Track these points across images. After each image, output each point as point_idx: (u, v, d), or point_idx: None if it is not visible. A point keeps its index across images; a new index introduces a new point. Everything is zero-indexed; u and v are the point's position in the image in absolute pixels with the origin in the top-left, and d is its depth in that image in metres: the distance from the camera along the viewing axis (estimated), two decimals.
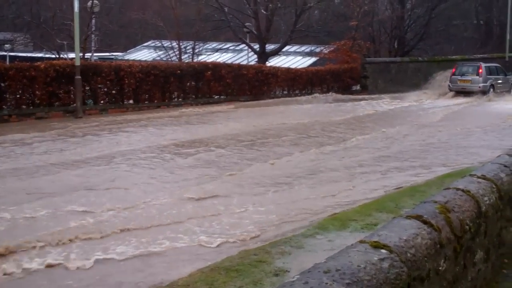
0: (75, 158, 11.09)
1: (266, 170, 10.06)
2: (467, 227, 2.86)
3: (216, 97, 22.54)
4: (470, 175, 3.74)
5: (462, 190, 3.15)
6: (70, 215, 7.17)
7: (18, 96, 16.83)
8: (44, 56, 27.36)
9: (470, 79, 26.71)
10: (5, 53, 35.95)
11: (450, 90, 27.36)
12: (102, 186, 8.83)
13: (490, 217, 3.43)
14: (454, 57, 34.94)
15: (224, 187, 8.75)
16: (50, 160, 10.86)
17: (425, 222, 2.51)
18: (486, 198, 3.37)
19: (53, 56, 26.14)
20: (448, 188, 3.22)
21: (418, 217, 2.54)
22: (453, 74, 27.29)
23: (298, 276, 1.92)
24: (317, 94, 26.04)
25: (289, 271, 4.48)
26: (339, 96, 26.01)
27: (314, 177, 9.48)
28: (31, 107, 17.09)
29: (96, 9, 26.22)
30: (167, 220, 6.95)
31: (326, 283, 1.85)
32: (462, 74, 26.96)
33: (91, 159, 11.00)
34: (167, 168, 10.32)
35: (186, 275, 4.68)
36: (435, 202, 2.83)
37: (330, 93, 26.69)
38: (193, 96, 21.76)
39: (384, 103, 23.80)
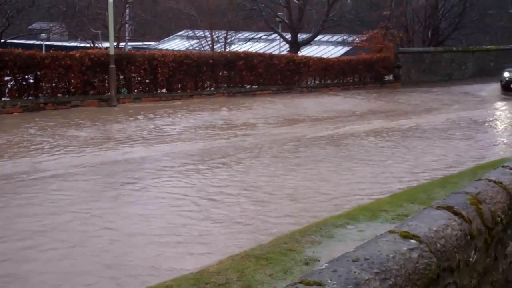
0: None
1: None
2: (498, 218, 2.84)
3: (248, 86, 22.58)
4: (503, 166, 3.68)
5: (494, 182, 3.12)
6: None
7: (53, 84, 17.10)
8: (79, 45, 27.72)
9: None
10: (41, 42, 36.55)
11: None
12: None
13: None
14: (489, 47, 34.27)
15: None
16: None
17: (455, 213, 2.50)
18: None
19: (88, 45, 26.50)
20: (480, 179, 3.18)
21: (449, 208, 2.53)
22: None
23: (326, 265, 1.94)
24: None
25: (319, 260, 4.50)
26: None
27: None
28: (67, 96, 17.37)
29: None
30: None
31: (355, 272, 1.87)
32: None
33: None
34: None
35: (216, 262, 4.74)
36: (467, 193, 2.81)
37: None
38: (225, 85, 21.82)
39: None
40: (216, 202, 7.38)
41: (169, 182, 8.46)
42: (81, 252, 5.59)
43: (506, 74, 23.09)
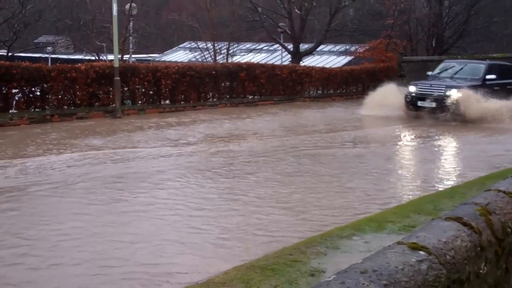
0: None
1: None
2: (509, 229, 2.79)
3: (250, 97, 22.60)
4: None
5: (504, 192, 3.08)
6: None
7: (59, 96, 17.24)
8: (84, 58, 27.89)
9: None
10: (47, 55, 36.79)
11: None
12: None
13: None
14: (495, 55, 34.14)
15: None
16: None
17: (465, 224, 2.46)
18: None
19: (93, 58, 26.64)
20: (489, 190, 3.14)
21: (458, 219, 2.49)
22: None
23: (334, 276, 1.90)
24: None
25: (325, 272, 4.45)
26: None
27: None
28: (72, 107, 17.46)
29: (134, 12, 26.67)
30: None
31: (363, 284, 1.84)
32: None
33: None
34: None
35: (222, 272, 4.71)
36: (476, 204, 2.77)
37: None
38: (228, 96, 21.86)
39: None
40: (211, 211, 7.40)
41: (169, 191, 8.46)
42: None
43: (411, 89, 19.37)
